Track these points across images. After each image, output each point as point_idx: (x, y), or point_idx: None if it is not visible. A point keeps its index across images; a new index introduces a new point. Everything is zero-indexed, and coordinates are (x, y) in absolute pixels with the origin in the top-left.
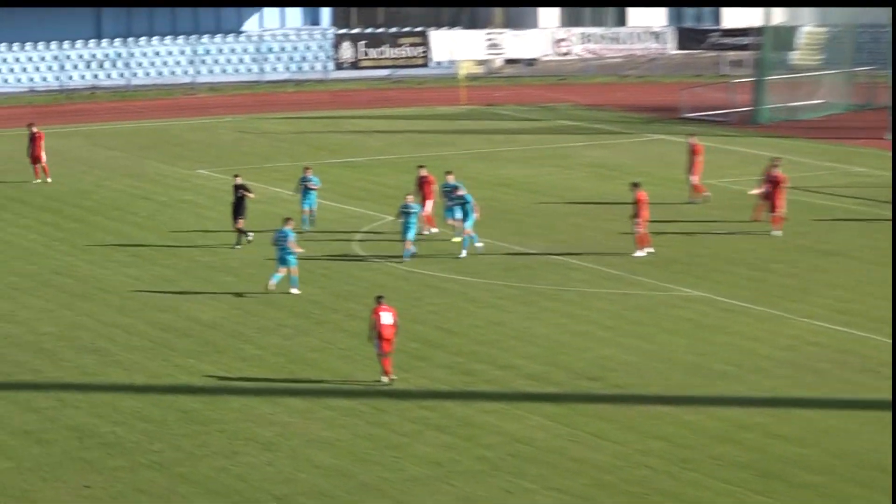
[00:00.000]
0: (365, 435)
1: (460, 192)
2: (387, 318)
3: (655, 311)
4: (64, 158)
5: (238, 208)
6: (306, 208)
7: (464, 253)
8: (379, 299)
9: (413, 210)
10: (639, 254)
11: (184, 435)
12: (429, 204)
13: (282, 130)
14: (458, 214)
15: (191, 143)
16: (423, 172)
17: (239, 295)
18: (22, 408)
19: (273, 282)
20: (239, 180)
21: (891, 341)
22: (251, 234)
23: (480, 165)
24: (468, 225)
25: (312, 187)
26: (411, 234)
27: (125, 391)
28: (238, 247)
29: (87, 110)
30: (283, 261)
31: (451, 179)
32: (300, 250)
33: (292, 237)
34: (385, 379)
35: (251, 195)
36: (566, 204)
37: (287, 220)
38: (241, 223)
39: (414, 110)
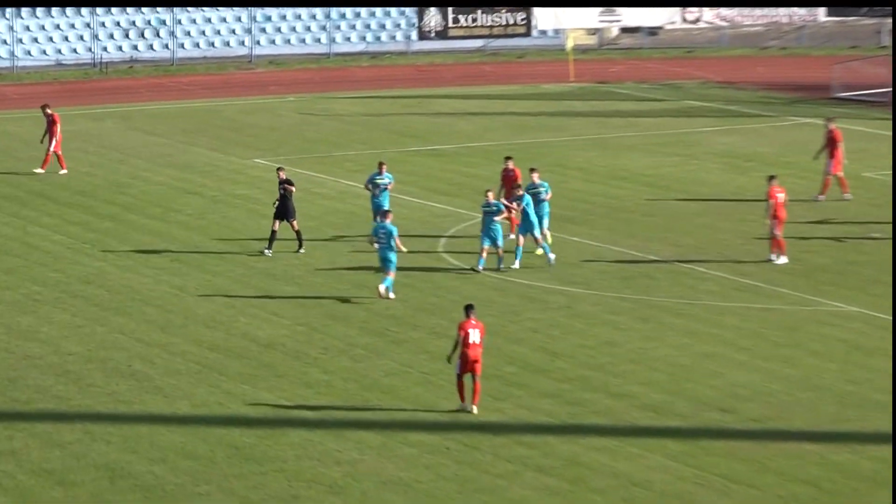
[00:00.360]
0: (450, 476)
1: (520, 193)
2: (476, 335)
3: (800, 329)
4: (96, 145)
5: (284, 208)
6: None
7: (552, 257)
8: (469, 310)
9: (494, 208)
10: (780, 261)
11: (235, 475)
12: (526, 197)
13: (355, 112)
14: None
15: (246, 127)
16: (510, 165)
17: (316, 297)
18: (43, 442)
19: (389, 291)
20: (283, 174)
21: None
22: (269, 250)
23: (592, 154)
24: (537, 232)
25: (386, 186)
26: (500, 240)
27: (166, 423)
28: (301, 251)
29: (124, 88)
30: (384, 261)
31: (536, 178)
32: (404, 249)
33: (396, 232)
34: (474, 409)
35: (293, 188)
36: (693, 201)
37: (386, 212)
38: (295, 224)
39: (513, 88)
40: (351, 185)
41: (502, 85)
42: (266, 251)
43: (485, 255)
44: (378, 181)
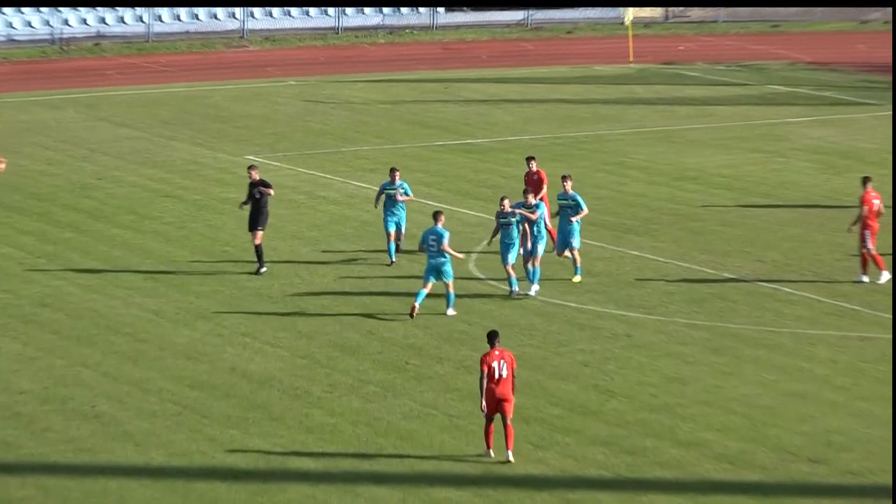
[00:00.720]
0: None
1: (532, 201)
2: (503, 368)
3: None
4: (55, 139)
5: (258, 215)
6: (391, 230)
7: (516, 290)
8: (493, 339)
9: (514, 220)
10: (882, 279)
11: None
12: (542, 205)
13: (369, 99)
14: (575, 242)
15: (237, 117)
16: (533, 166)
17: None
18: None
19: (417, 303)
20: (255, 174)
21: None
22: (264, 267)
23: (656, 150)
24: (539, 251)
25: (400, 198)
26: (512, 256)
27: (137, 476)
28: (264, 270)
29: (89, 69)
30: (434, 272)
31: (568, 188)
32: (460, 256)
33: (447, 238)
34: (510, 455)
35: (271, 192)
36: (779, 207)
37: (437, 214)
38: (260, 236)
39: (560, 70)
40: (363, 188)
41: (547, 66)
42: (261, 270)
43: (514, 274)
44: (389, 192)
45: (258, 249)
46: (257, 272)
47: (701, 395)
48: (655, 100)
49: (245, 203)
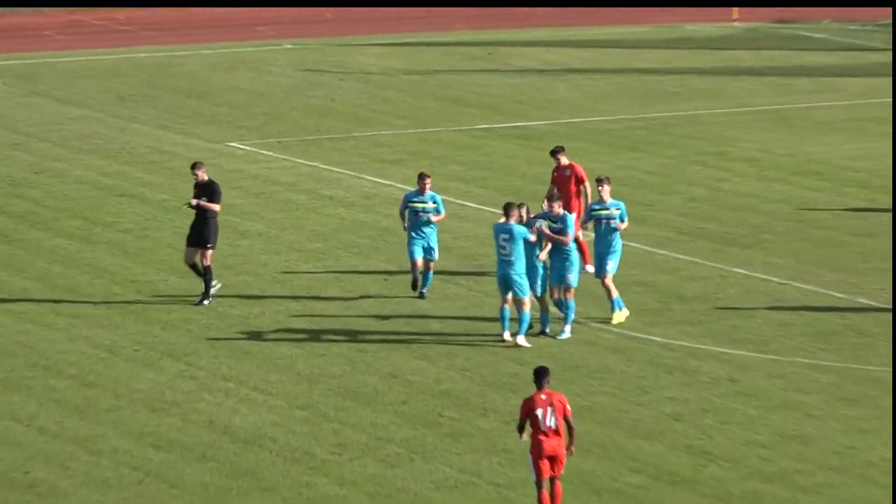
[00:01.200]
0: None
1: (559, 211)
2: (550, 417)
3: None
4: None
5: (202, 227)
6: (417, 257)
7: (566, 332)
8: (541, 378)
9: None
10: None
11: None
12: (570, 219)
13: (389, 68)
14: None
15: (217, 91)
16: (563, 160)
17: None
18: None
19: (507, 330)
20: (202, 174)
21: None
22: (216, 283)
23: (768, 136)
24: (573, 279)
25: (430, 216)
26: (539, 285)
27: None
28: (206, 302)
29: (24, 28)
30: (505, 283)
31: (605, 195)
32: (541, 256)
33: (525, 235)
34: None
35: (214, 207)
36: None
37: (509, 206)
38: (210, 256)
39: (641, 31)
40: (382, 185)
41: (624, 25)
42: (214, 287)
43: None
44: (416, 204)
45: (206, 271)
46: (201, 300)
47: (829, 458)
48: (767, 70)
49: (189, 203)
